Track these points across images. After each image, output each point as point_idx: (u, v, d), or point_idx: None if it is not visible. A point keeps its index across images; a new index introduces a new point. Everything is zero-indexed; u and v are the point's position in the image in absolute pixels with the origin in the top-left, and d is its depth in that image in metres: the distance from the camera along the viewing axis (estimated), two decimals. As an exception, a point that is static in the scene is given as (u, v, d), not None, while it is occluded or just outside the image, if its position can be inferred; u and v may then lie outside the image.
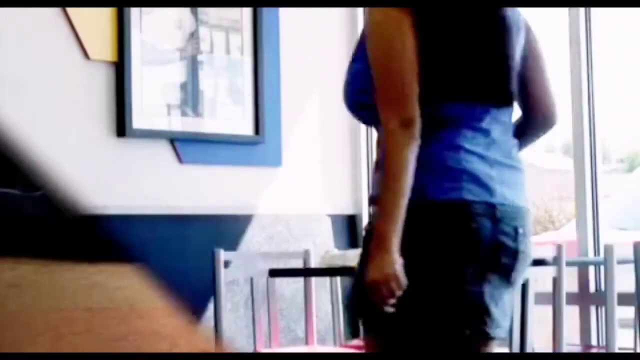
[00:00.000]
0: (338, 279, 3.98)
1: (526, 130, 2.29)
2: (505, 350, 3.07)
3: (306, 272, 3.83)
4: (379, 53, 2.13)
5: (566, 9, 3.98)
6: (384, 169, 2.06)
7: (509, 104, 2.18)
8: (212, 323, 3.43)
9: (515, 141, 2.21)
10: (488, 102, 2.13)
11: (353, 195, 4.48)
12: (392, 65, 2.10)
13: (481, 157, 2.09)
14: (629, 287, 3.29)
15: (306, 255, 3.85)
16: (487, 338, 2.07)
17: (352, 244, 4.39)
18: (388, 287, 2.01)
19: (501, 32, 2.16)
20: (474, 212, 2.04)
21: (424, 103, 2.08)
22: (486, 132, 2.11)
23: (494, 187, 2.07)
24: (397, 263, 2.00)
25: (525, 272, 2.20)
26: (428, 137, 2.06)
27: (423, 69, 2.09)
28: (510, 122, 2.20)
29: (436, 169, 2.06)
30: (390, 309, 2.03)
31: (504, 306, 2.09)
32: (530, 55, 2.24)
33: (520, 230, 2.10)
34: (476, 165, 2.07)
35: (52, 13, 3.47)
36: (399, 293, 2.01)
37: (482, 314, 2.04)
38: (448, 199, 2.04)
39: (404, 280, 2.00)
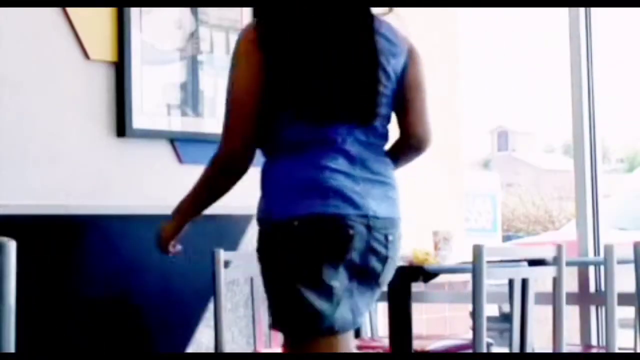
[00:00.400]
0: (338, 279, 3.97)
1: (400, 152, 2.47)
2: (505, 350, 3.07)
3: (306, 272, 3.82)
4: (228, 86, 2.32)
5: (566, 8, 3.99)
6: (200, 179, 2.42)
7: (373, 124, 2.33)
8: (212, 323, 3.43)
9: (385, 159, 2.39)
10: (350, 124, 2.29)
11: (353, 195, 4.47)
12: (231, 101, 2.30)
13: (346, 174, 2.27)
14: (629, 287, 3.29)
15: (306, 255, 3.84)
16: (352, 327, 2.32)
17: (352, 244, 4.39)
18: (160, 245, 2.52)
19: (368, 58, 2.29)
20: (341, 225, 2.22)
21: (286, 126, 2.28)
22: (350, 152, 2.29)
23: (360, 201, 2.26)
24: (169, 232, 2.50)
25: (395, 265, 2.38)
26: (294, 159, 2.27)
27: (284, 95, 2.26)
28: (377, 140, 2.36)
29: (304, 188, 2.24)
30: (168, 254, 2.55)
31: (366, 302, 2.32)
32: (410, 82, 2.40)
33: (390, 238, 2.31)
34: (342, 183, 2.25)
35: (52, 13, 3.47)
36: (170, 248, 2.53)
37: (349, 310, 2.27)
38: (317, 214, 2.22)
39: (166, 247, 2.52)
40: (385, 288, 2.44)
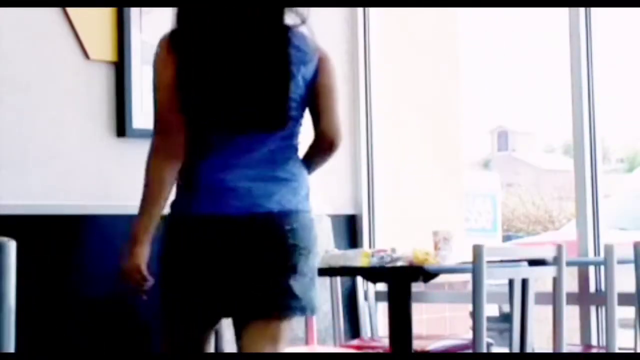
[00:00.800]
0: (338, 279, 3.98)
1: (314, 152, 2.69)
2: (506, 350, 3.07)
3: (306, 272, 3.82)
4: (153, 87, 2.53)
5: (566, 9, 3.98)
6: (144, 180, 2.54)
7: (280, 129, 2.52)
8: (212, 323, 3.43)
9: (292, 157, 2.58)
10: (255, 129, 2.48)
11: (353, 195, 4.48)
12: (157, 98, 2.51)
13: (247, 175, 2.48)
14: (629, 287, 3.29)
15: (306, 255, 3.84)
16: (282, 315, 2.51)
17: (352, 243, 4.39)
18: (135, 275, 2.52)
19: (280, 69, 2.48)
20: (231, 222, 2.45)
21: (196, 130, 2.49)
22: (252, 154, 2.49)
23: (255, 200, 2.47)
24: (142, 256, 2.50)
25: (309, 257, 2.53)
26: (199, 160, 2.50)
27: (193, 102, 2.47)
28: (286, 141, 2.56)
29: (204, 188, 2.48)
30: (142, 295, 2.56)
31: (291, 289, 2.47)
32: (320, 88, 2.59)
33: (287, 227, 2.48)
34: (240, 183, 2.47)
35: (52, 13, 3.47)
36: (145, 282, 2.53)
37: (265, 299, 2.47)
38: (215, 213, 2.46)
39: (145, 272, 2.51)
40: (315, 276, 2.57)
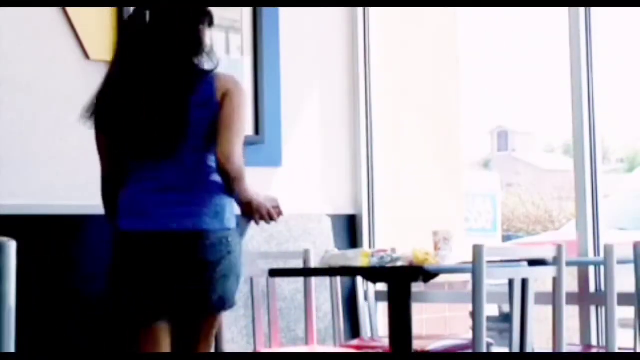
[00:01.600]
0: (338, 279, 3.98)
1: (221, 179, 2.86)
2: (506, 350, 3.07)
3: (306, 272, 3.83)
4: None
5: (566, 9, 3.98)
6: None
7: (172, 157, 2.82)
8: (212, 323, 3.43)
9: (202, 182, 2.85)
10: (162, 160, 2.82)
11: (353, 195, 4.48)
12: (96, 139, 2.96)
13: (158, 198, 2.82)
14: (629, 287, 3.29)
15: (306, 255, 3.85)
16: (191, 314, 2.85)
17: (352, 243, 4.39)
18: None
19: (174, 110, 2.81)
20: (141, 238, 2.81)
21: (123, 162, 2.91)
22: (163, 180, 2.83)
23: (161, 219, 2.80)
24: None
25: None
26: (126, 184, 2.89)
27: (113, 137, 2.89)
28: (194, 169, 2.85)
29: (128, 208, 2.85)
30: None
31: (203, 295, 2.81)
32: (221, 118, 2.84)
33: (201, 244, 2.78)
34: (153, 206, 2.81)
35: (52, 13, 3.47)
36: None
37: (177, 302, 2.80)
38: (132, 229, 2.83)
39: None
40: (214, 281, 2.81)
